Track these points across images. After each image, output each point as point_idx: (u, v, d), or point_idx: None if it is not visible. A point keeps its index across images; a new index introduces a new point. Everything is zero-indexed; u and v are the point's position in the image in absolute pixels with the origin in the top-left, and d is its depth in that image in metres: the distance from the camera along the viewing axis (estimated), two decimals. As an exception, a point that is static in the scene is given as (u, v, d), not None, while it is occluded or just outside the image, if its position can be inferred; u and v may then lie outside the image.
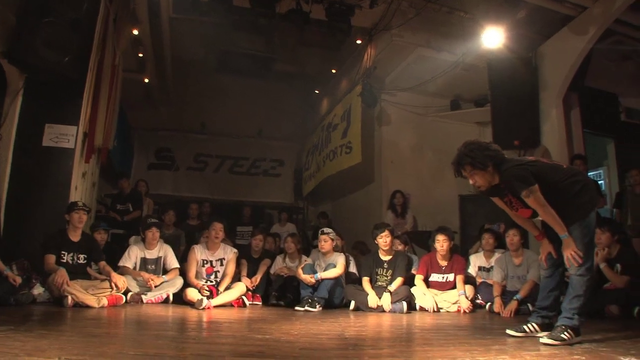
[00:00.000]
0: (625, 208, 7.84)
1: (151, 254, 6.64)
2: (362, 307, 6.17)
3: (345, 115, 11.13)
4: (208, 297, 5.87)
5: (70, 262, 5.80)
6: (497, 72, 8.95)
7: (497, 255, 6.76)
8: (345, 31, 8.77)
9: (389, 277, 6.47)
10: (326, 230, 6.87)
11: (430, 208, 10.37)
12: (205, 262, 6.53)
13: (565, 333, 3.46)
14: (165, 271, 6.62)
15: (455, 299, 6.26)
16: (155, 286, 6.28)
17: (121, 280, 5.79)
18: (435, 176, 10.76)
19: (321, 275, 6.41)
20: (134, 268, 6.48)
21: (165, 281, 6.42)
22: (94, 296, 5.41)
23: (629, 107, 10.37)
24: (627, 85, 10.16)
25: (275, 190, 15.53)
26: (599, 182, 10.24)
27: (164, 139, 14.86)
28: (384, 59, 10.10)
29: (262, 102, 14.12)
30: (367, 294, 6.20)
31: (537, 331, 3.82)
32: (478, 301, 6.54)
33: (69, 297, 5.20)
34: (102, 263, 6.06)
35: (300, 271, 6.53)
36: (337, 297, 6.49)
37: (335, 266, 6.53)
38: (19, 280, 5.31)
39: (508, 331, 3.91)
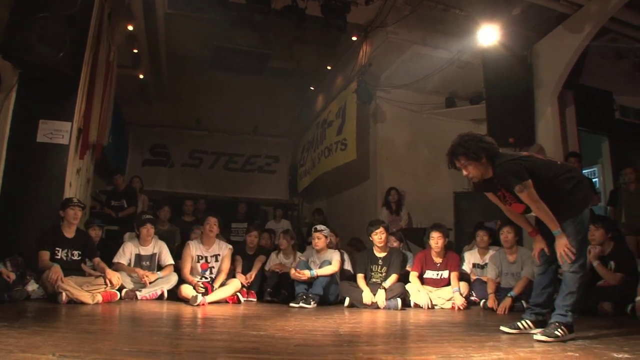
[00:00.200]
0: (619, 206, 7.87)
1: (146, 251, 6.63)
2: (357, 304, 6.17)
3: (340, 112, 11.13)
4: (203, 294, 5.87)
5: (65, 258, 5.78)
6: (492, 70, 8.96)
7: (491, 252, 6.77)
8: (340, 28, 8.77)
9: (383, 274, 6.48)
10: (319, 227, 6.86)
11: (425, 205, 10.39)
12: (200, 257, 6.52)
13: (559, 330, 3.47)
14: (160, 267, 6.62)
15: (450, 296, 6.28)
16: (150, 282, 6.28)
17: (116, 277, 5.79)
18: (430, 173, 10.78)
19: (317, 272, 6.41)
20: (129, 264, 6.47)
21: (160, 277, 6.42)
22: (88, 292, 5.39)
23: (624, 105, 10.39)
24: (622, 83, 10.19)
25: (270, 187, 15.53)
26: (593, 179, 10.27)
27: (159, 135, 14.83)
28: (380, 56, 10.10)
29: (257, 99, 14.13)
30: (362, 291, 6.21)
31: (530, 328, 3.83)
32: (472, 298, 6.55)
33: (64, 294, 5.18)
34: (97, 259, 6.04)
35: (292, 271, 6.53)
36: (331, 294, 6.49)
37: (331, 263, 6.53)
38: (13, 276, 5.30)
39: (502, 328, 3.92)
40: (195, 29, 10.86)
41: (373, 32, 9.88)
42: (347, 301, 6.31)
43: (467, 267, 6.95)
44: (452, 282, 6.38)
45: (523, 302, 5.58)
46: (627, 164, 8.19)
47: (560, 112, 8.67)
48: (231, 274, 6.70)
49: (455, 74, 10.00)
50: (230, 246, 6.81)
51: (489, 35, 8.03)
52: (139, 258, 6.57)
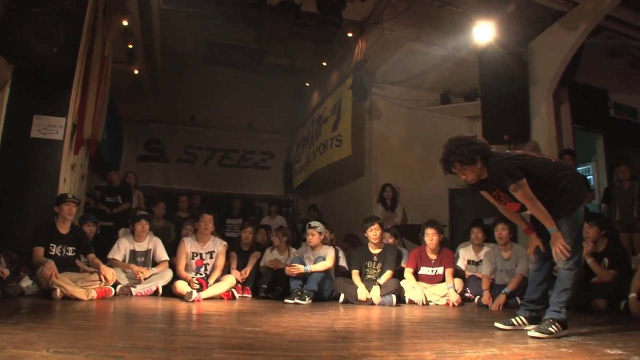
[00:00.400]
0: (613, 203, 7.91)
1: (140, 247, 6.62)
2: (352, 300, 6.18)
3: (335, 108, 11.13)
4: (197, 290, 5.87)
5: (59, 254, 5.77)
6: (487, 67, 8.97)
7: (486, 249, 6.78)
8: (336, 24, 8.74)
9: (378, 270, 6.49)
10: (313, 224, 6.86)
11: (419, 201, 10.40)
12: (195, 254, 6.51)
13: (553, 326, 3.48)
14: (154, 263, 6.60)
15: (444, 292, 6.29)
16: (145, 279, 6.26)
17: (110, 273, 5.77)
18: (425, 170, 10.77)
19: (311, 267, 6.42)
20: (123, 260, 6.45)
21: (155, 274, 6.40)
22: (82, 289, 5.37)
23: (618, 103, 10.45)
24: (616, 81, 10.24)
25: (265, 183, 15.51)
26: (588, 177, 10.31)
27: (154, 131, 14.78)
28: (375, 53, 10.09)
29: (252, 95, 14.09)
30: (357, 287, 6.21)
31: (525, 324, 3.84)
32: (467, 294, 6.57)
33: (58, 290, 5.17)
34: (91, 255, 6.02)
35: (287, 269, 6.53)
36: (326, 290, 6.50)
37: (325, 259, 6.53)
38: (6, 272, 5.27)
39: (496, 324, 3.93)
40: (191, 24, 10.83)
41: (368, 29, 9.88)
42: (341, 297, 6.32)
43: (461, 263, 6.96)
44: (446, 278, 6.39)
45: (517, 298, 5.60)
46: (621, 161, 8.25)
47: (555, 110, 8.70)
48: (226, 270, 6.70)
49: (451, 70, 10.00)
50: (225, 243, 6.80)
51: (484, 32, 8.04)
52: (133, 254, 6.56)
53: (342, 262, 7.22)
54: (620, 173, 7.88)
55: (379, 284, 6.16)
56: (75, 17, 6.60)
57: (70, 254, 5.90)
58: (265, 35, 11.91)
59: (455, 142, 3.83)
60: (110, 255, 6.40)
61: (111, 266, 6.05)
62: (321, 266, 6.43)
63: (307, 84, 14.36)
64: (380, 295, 6.04)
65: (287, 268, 6.48)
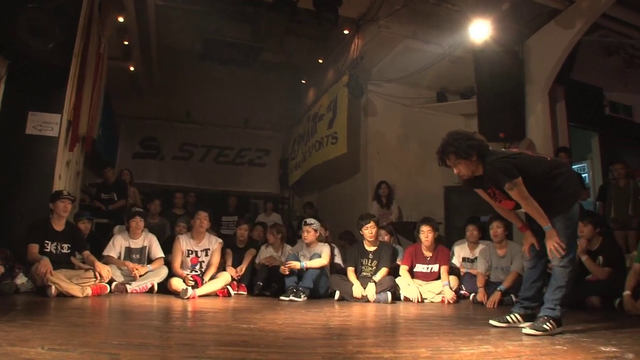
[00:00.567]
0: (608, 201, 7.94)
1: (136, 244, 6.61)
2: (347, 297, 6.19)
3: (331, 105, 11.12)
4: (193, 287, 5.87)
5: (54, 251, 5.75)
6: (483, 65, 8.97)
7: (481, 246, 6.79)
8: (332, 21, 8.72)
9: (373, 268, 6.50)
10: (309, 221, 6.86)
11: (415, 199, 10.41)
12: (190, 252, 6.51)
13: (548, 324, 3.50)
14: (150, 261, 6.60)
15: (440, 290, 6.30)
16: (140, 276, 6.26)
17: (105, 270, 5.77)
18: (421, 167, 10.81)
19: (307, 264, 6.42)
20: (119, 257, 6.45)
21: (150, 271, 6.40)
22: (77, 286, 5.37)
23: (614, 101, 10.47)
24: (612, 79, 10.26)
25: (260, 180, 15.49)
26: (583, 175, 10.35)
27: (150, 128, 14.74)
28: (371, 50, 10.07)
29: (248, 92, 14.08)
30: (352, 284, 6.23)
31: (519, 322, 3.86)
32: (462, 292, 6.58)
33: (53, 287, 5.16)
34: (86, 252, 6.01)
35: (281, 268, 6.53)
36: (321, 287, 6.51)
37: (321, 256, 6.54)
38: (1, 269, 5.27)
39: (491, 321, 3.94)
40: (187, 21, 10.81)
41: (365, 26, 9.86)
42: (337, 294, 6.33)
43: (456, 261, 6.97)
44: (442, 275, 6.41)
45: (512, 296, 5.61)
46: (616, 159, 8.26)
47: (550, 108, 8.71)
48: (221, 267, 6.70)
49: (447, 68, 9.99)
50: (220, 240, 6.81)
51: (480, 30, 8.03)
52: (128, 251, 6.55)
53: (338, 260, 7.23)
54: (616, 171, 7.91)
55: (374, 282, 6.17)
56: (70, 14, 6.58)
57: (65, 251, 5.89)
58: (261, 32, 11.88)
59: (453, 135, 3.84)
60: (105, 253, 6.40)
61: (106, 263, 6.05)
62: (316, 263, 6.44)
63: (303, 81, 14.32)
64: (376, 293, 6.06)
65: (281, 267, 6.49)
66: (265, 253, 7.32)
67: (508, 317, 3.91)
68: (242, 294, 6.72)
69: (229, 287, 6.37)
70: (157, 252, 6.65)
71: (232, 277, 6.57)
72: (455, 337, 3.41)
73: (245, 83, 13.79)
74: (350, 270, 6.49)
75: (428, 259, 6.57)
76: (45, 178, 6.70)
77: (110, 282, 5.89)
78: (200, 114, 14.79)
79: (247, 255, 7.20)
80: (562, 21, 8.11)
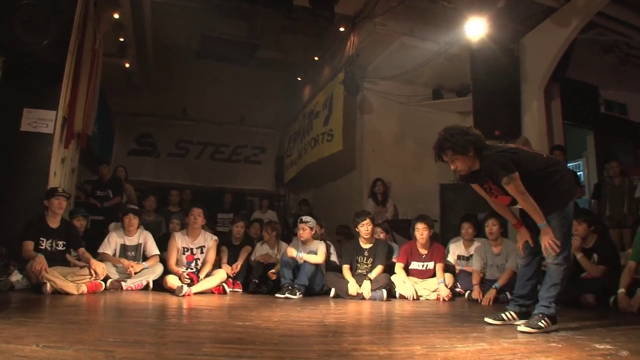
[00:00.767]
0: (603, 199, 7.96)
1: (131, 241, 6.60)
2: (342, 295, 6.19)
3: (327, 102, 11.12)
4: (188, 284, 5.86)
5: (49, 248, 5.74)
6: (479, 63, 8.96)
7: (476, 244, 6.80)
8: (328, 18, 8.72)
9: (369, 265, 6.50)
10: (305, 218, 6.86)
11: (411, 196, 10.42)
12: (185, 249, 6.50)
13: (542, 321, 3.51)
14: (145, 258, 6.59)
15: (435, 287, 6.32)
16: (135, 273, 6.26)
17: (100, 267, 5.75)
18: (416, 165, 10.82)
19: (303, 256, 6.42)
20: (114, 255, 6.44)
21: (145, 268, 6.39)
22: (73, 283, 5.36)
23: (609, 100, 10.51)
24: (607, 77, 10.29)
25: (256, 178, 15.48)
26: (578, 173, 10.38)
27: (145, 125, 14.70)
28: (367, 47, 10.07)
29: (244, 89, 14.09)
30: (348, 282, 6.23)
31: (514, 319, 3.87)
32: (457, 289, 6.59)
33: (48, 284, 5.15)
34: (82, 250, 6.00)
35: (269, 273, 6.57)
36: (317, 285, 6.51)
37: (317, 254, 6.54)
38: (-4, 267, 5.27)
39: (486, 319, 3.95)
40: (183, 17, 10.80)
41: (361, 23, 9.85)
42: (332, 292, 6.33)
43: (452, 258, 6.97)
44: (437, 273, 6.42)
45: (507, 293, 5.62)
46: (611, 157, 8.29)
47: (546, 106, 8.72)
48: (217, 265, 6.70)
49: (443, 66, 9.98)
50: (216, 237, 6.81)
51: (476, 28, 8.02)
52: (124, 248, 6.54)
53: (334, 258, 7.22)
54: (611, 169, 7.94)
55: (370, 279, 6.18)
56: (66, 10, 6.56)
57: (60, 248, 5.87)
58: (257, 29, 11.89)
59: (450, 131, 3.84)
60: (100, 250, 6.39)
61: (101, 260, 6.04)
62: (312, 258, 6.44)
63: (299, 79, 14.34)
64: (371, 290, 6.07)
65: (269, 272, 6.55)
66: (261, 250, 7.32)
67: (503, 315, 3.92)
68: (237, 291, 6.71)
69: (224, 284, 6.36)
70: (153, 249, 6.65)
71: (227, 274, 6.58)
72: (451, 335, 3.42)
73: (241, 80, 13.81)
74: (346, 268, 6.49)
75: (423, 256, 6.58)
76: (40, 175, 6.68)
77: (105, 280, 5.89)
78: (196, 111, 14.76)
79: (243, 252, 7.19)
80: (558, 19, 8.12)
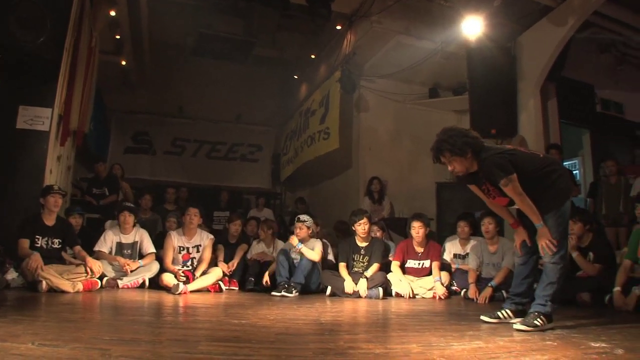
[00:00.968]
0: (599, 197, 7.98)
1: (127, 239, 6.59)
2: (339, 293, 6.19)
3: (323, 101, 11.11)
4: (184, 282, 5.86)
5: (45, 246, 5.73)
6: (476, 61, 8.97)
7: (472, 242, 6.81)
8: (325, 16, 8.70)
9: (365, 263, 6.51)
10: (302, 217, 6.85)
11: (407, 195, 10.43)
12: (181, 248, 6.50)
13: (538, 319, 3.52)
14: (141, 256, 6.59)
15: (431, 286, 6.32)
16: (131, 271, 6.26)
17: (96, 265, 5.75)
18: (413, 163, 10.82)
19: (302, 248, 6.43)
20: (110, 253, 6.44)
21: (141, 266, 6.39)
22: (69, 281, 5.36)
23: (605, 99, 10.52)
24: (603, 76, 10.30)
25: (252, 176, 15.44)
26: (574, 172, 10.39)
27: (142, 123, 14.63)
28: (364, 46, 10.06)
29: (240, 87, 14.08)
30: (344, 280, 6.24)
31: (510, 317, 3.88)
32: (453, 288, 6.61)
33: (44, 282, 5.14)
34: (77, 248, 5.99)
35: (266, 282, 6.61)
36: (313, 283, 6.51)
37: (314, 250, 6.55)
38: (-8, 264, 5.25)
39: (482, 317, 3.96)
40: (179, 15, 10.76)
41: (357, 22, 9.84)
42: (328, 290, 6.32)
43: (448, 257, 6.98)
44: (433, 271, 6.42)
45: (503, 292, 5.63)
46: (607, 156, 8.31)
47: (542, 104, 8.72)
48: (213, 263, 6.70)
49: (439, 64, 9.99)
50: (212, 236, 6.80)
51: (473, 26, 8.02)
52: (120, 246, 6.54)
53: (330, 257, 7.22)
54: (607, 168, 7.95)
55: (366, 277, 6.19)
56: (62, 7, 6.55)
57: (56, 246, 5.86)
58: (253, 27, 11.86)
59: (448, 132, 3.84)
60: (96, 248, 6.39)
61: (97, 258, 6.03)
62: (309, 253, 6.44)
63: (296, 77, 14.31)
64: (367, 288, 6.07)
65: (265, 282, 6.59)
66: (257, 248, 7.32)
67: (499, 313, 3.93)
68: (233, 289, 6.72)
69: (220, 282, 6.36)
70: (149, 247, 6.64)
71: (223, 272, 6.58)
72: (447, 333, 3.43)
73: (238, 78, 13.79)
74: (342, 266, 6.49)
75: (419, 254, 6.58)
76: (36, 173, 6.66)
77: (101, 278, 5.88)
78: (192, 109, 14.72)
79: (239, 250, 7.19)
80: (555, 18, 8.13)
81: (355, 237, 6.68)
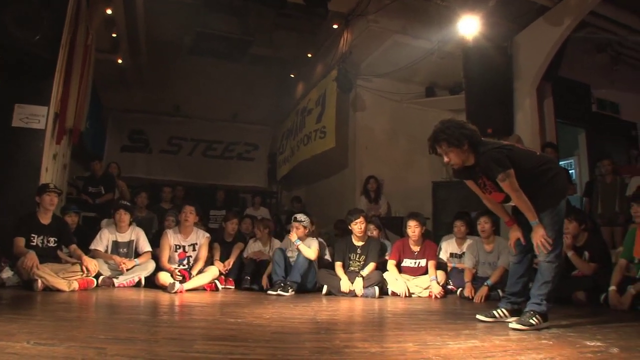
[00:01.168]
0: (595, 197, 8.00)
1: (123, 237, 6.58)
2: (335, 292, 6.20)
3: (320, 100, 11.12)
4: (180, 281, 5.85)
5: (40, 245, 5.70)
6: (472, 61, 8.97)
7: (469, 241, 6.82)
8: (322, 15, 8.72)
9: (361, 262, 6.51)
10: (299, 217, 6.83)
11: (403, 194, 10.43)
12: (177, 247, 6.49)
13: (534, 318, 3.53)
14: (137, 254, 6.57)
15: (427, 285, 6.32)
16: (127, 270, 6.24)
17: (92, 264, 5.73)
18: (409, 162, 10.83)
19: (299, 245, 6.43)
20: (106, 251, 6.42)
21: (137, 264, 6.37)
22: (64, 280, 5.34)
23: (600, 98, 10.54)
24: (599, 76, 10.32)
25: (249, 174, 15.46)
26: (570, 171, 10.42)
27: (138, 121, 14.64)
28: (360, 45, 10.07)
29: (237, 86, 14.09)
30: (340, 279, 6.24)
31: (506, 316, 3.88)
32: (449, 287, 6.61)
33: (39, 281, 5.13)
34: (73, 246, 5.97)
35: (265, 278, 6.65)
36: (309, 282, 6.51)
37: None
38: (-13, 263, 5.23)
39: (478, 316, 3.97)
40: (176, 14, 10.75)
41: (354, 21, 9.85)
42: (324, 289, 6.33)
43: (444, 256, 6.99)
44: (429, 270, 6.43)
45: (499, 291, 5.64)
46: (603, 155, 8.33)
47: (538, 104, 8.74)
48: (209, 262, 6.69)
49: (436, 64, 9.98)
50: (208, 235, 6.79)
51: (469, 26, 8.02)
52: (116, 245, 6.52)
53: (327, 256, 7.21)
54: (603, 167, 7.97)
55: (362, 276, 6.19)
56: (58, 5, 6.52)
57: (51, 244, 5.84)
58: (250, 25, 11.85)
59: (446, 123, 3.84)
60: (92, 246, 6.37)
61: (93, 257, 6.01)
62: (306, 251, 6.44)
63: (292, 75, 14.33)
64: (363, 287, 6.07)
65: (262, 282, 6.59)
66: (253, 247, 7.31)
67: (495, 312, 3.94)
68: (229, 288, 6.71)
69: (216, 281, 6.36)
70: (145, 246, 6.63)
71: (219, 271, 6.57)
72: (443, 332, 3.43)
73: (234, 77, 13.79)
74: (338, 265, 6.49)
75: (416, 253, 6.59)
76: (32, 171, 6.63)
77: (97, 276, 5.86)
78: (189, 108, 14.72)
79: (235, 249, 7.19)
80: (551, 18, 8.14)
81: (352, 236, 6.68)
